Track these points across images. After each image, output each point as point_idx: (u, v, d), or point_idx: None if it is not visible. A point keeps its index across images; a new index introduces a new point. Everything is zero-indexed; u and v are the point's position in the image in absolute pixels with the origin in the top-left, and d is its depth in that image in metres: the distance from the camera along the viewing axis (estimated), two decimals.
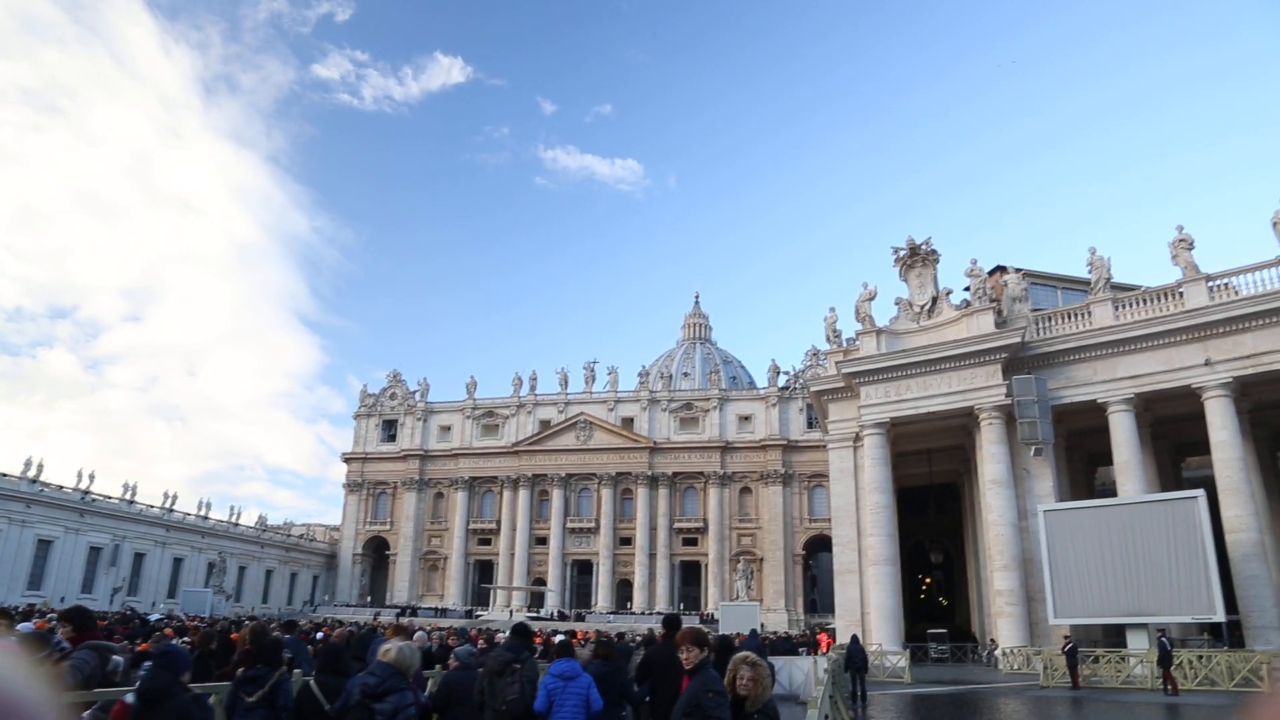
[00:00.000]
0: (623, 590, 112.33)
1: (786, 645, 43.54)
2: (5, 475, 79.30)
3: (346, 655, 11.35)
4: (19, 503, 78.92)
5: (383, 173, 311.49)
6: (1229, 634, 43.43)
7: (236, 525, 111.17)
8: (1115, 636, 43.33)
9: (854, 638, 37.67)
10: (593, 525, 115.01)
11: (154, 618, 49.60)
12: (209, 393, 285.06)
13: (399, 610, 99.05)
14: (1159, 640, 36.87)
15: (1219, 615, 38.62)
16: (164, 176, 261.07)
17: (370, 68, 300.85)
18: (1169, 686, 35.20)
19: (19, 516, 78.73)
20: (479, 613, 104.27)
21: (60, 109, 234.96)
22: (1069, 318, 50.15)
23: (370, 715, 9.15)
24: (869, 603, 53.18)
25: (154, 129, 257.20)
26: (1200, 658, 38.28)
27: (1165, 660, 35.63)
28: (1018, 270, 54.35)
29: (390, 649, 9.67)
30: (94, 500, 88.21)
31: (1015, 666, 45.02)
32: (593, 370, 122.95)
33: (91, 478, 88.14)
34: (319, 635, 28.07)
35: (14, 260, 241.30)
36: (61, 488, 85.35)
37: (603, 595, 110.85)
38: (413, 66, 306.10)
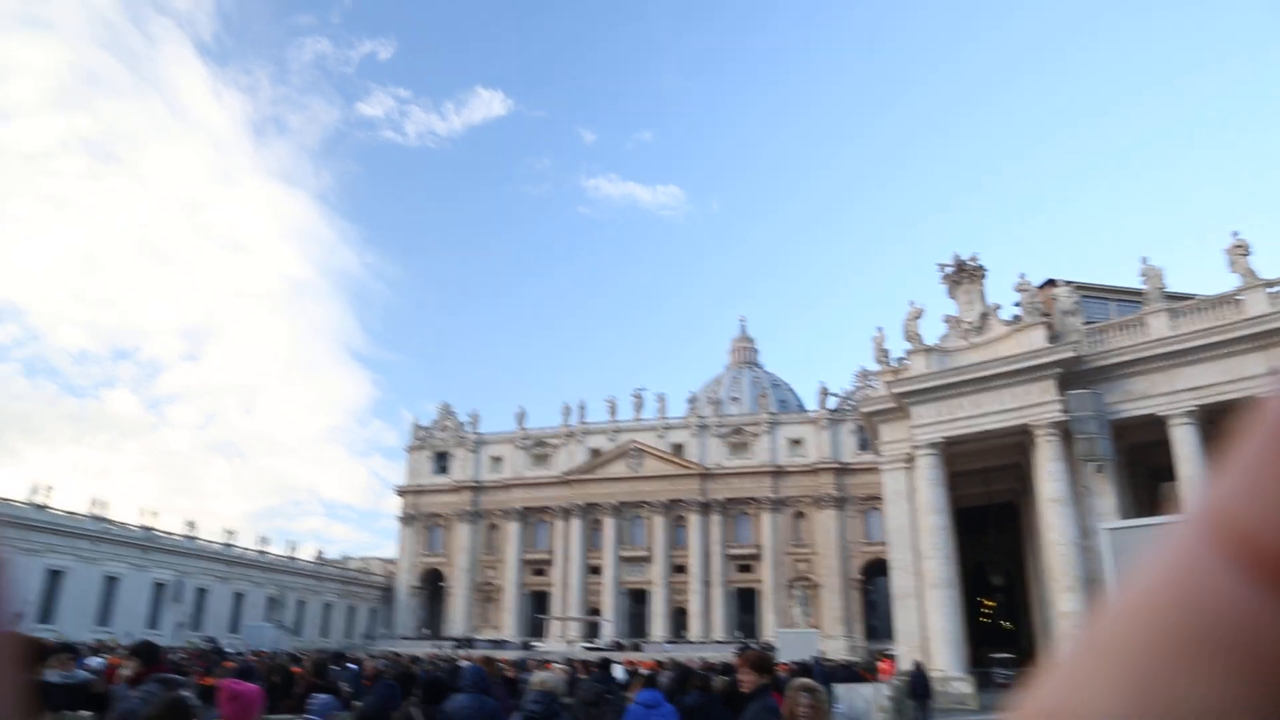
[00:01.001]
0: (678, 619, 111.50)
1: (847, 673, 42.90)
2: (73, 514, 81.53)
3: (447, 687, 12.02)
4: (86, 540, 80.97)
5: (428, 207, 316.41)
6: None
7: (294, 560, 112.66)
8: None
9: (917, 664, 37.08)
10: (646, 554, 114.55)
11: (231, 652, 50.79)
12: (265, 429, 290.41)
13: (455, 642, 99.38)
14: None
15: None
16: (217, 218, 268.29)
17: (413, 104, 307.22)
18: None
19: (87, 554, 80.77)
20: (535, 644, 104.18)
21: (118, 156, 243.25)
22: (1123, 330, 49.11)
23: None
24: (930, 627, 52.14)
25: (207, 172, 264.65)
26: None
27: None
28: (1068, 283, 53.44)
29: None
30: (157, 537, 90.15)
31: None
32: (641, 397, 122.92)
33: (154, 515, 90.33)
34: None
35: (78, 305, 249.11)
36: (126, 525, 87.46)
37: (659, 624, 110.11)
38: (454, 101, 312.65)
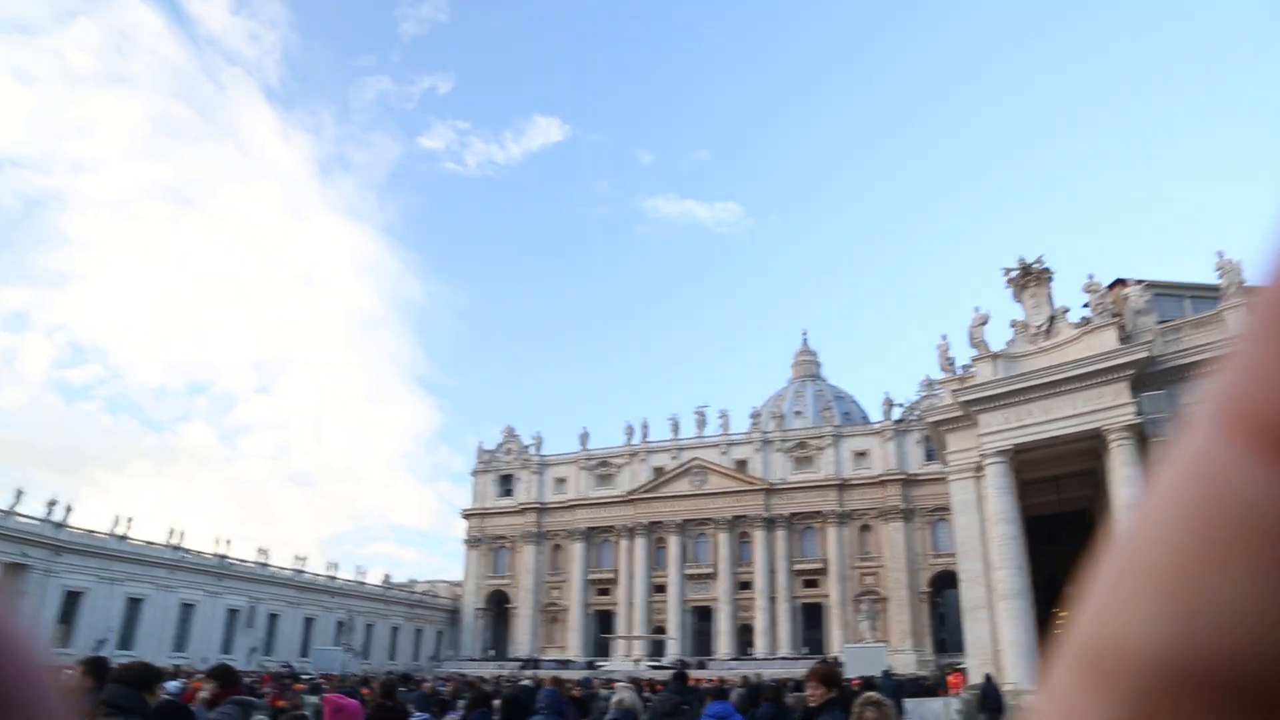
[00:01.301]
0: (744, 635, 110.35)
1: (915, 686, 41.97)
2: (152, 544, 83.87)
3: (526, 707, 12.33)
4: (164, 569, 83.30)
5: (490, 235, 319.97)
6: None
7: (363, 584, 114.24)
8: None
9: (987, 677, 36.12)
10: (711, 571, 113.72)
11: (305, 676, 52.03)
12: (335, 457, 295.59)
13: (521, 663, 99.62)
14: None
15: None
16: (287, 254, 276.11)
17: (472, 135, 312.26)
18: None
19: (164, 582, 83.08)
20: (600, 663, 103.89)
21: (193, 201, 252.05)
22: (1200, 327, 47.45)
23: None
24: (1001, 640, 50.68)
25: (277, 211, 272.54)
26: None
27: None
28: (1139, 282, 51.88)
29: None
30: (230, 565, 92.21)
31: None
32: (703, 415, 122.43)
33: (228, 543, 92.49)
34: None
35: (157, 342, 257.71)
36: (201, 554, 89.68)
37: (724, 641, 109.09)
38: (512, 130, 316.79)
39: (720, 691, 13.89)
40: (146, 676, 7.69)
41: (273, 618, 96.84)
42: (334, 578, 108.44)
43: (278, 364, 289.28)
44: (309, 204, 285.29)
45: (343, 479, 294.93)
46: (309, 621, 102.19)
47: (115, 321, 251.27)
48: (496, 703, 15.17)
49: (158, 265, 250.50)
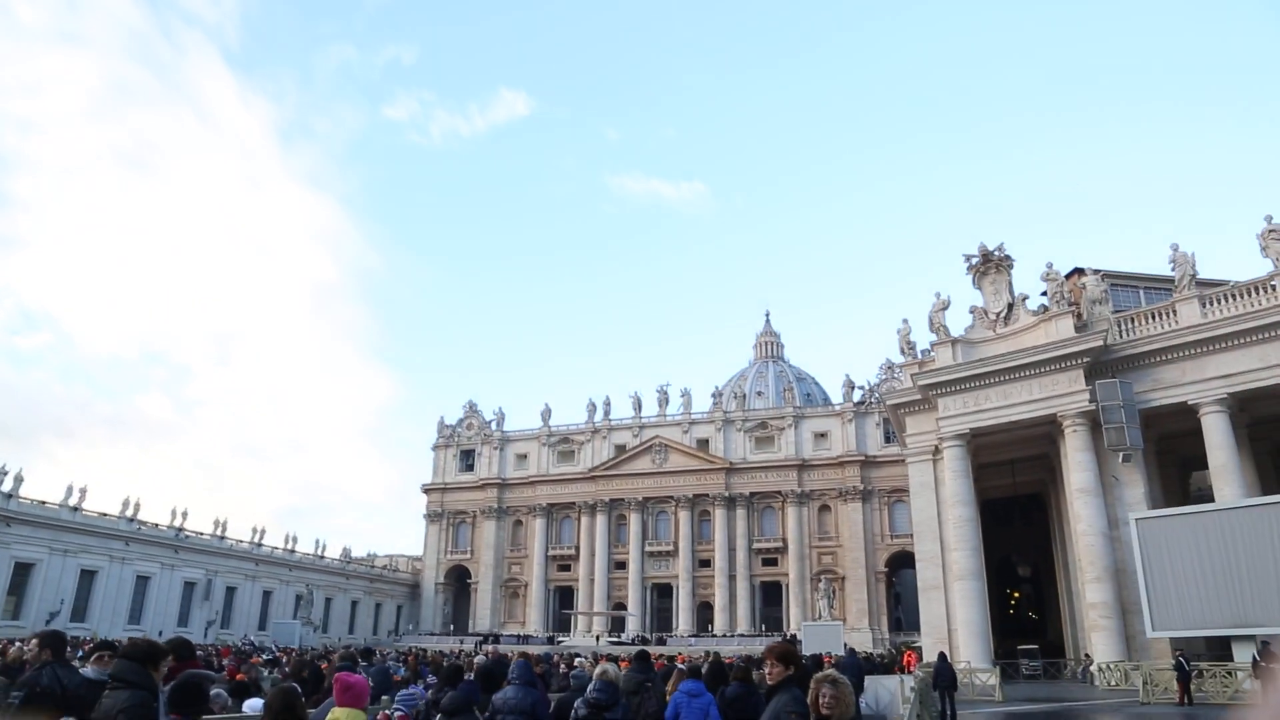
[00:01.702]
0: (703, 613, 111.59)
1: (870, 665, 42.66)
2: (105, 515, 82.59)
3: (501, 678, 12.67)
4: (119, 541, 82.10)
5: (453, 208, 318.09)
6: None
7: (322, 558, 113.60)
8: (1220, 649, 41.47)
9: (941, 655, 36.75)
10: (671, 548, 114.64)
11: (266, 656, 51.83)
12: (294, 430, 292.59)
13: (481, 638, 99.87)
14: (1176, 658, 37.12)
15: None
16: (246, 223, 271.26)
17: (437, 107, 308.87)
18: (1185, 700, 35.61)
19: (119, 554, 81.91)
20: (560, 639, 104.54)
21: (149, 166, 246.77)
22: (1153, 318, 48.41)
23: None
24: (955, 619, 51.80)
25: (235, 178, 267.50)
26: None
27: (1184, 675, 36.13)
28: (1096, 271, 52.77)
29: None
30: (187, 537, 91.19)
31: (1113, 682, 43.30)
32: (666, 393, 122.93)
33: (185, 515, 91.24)
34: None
35: (111, 310, 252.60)
36: (157, 526, 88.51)
37: (683, 618, 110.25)
38: (478, 103, 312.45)
39: (694, 669, 14.30)
40: (153, 652, 7.74)
41: (230, 591, 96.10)
42: (292, 551, 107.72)
43: (236, 335, 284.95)
44: (269, 172, 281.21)
45: (301, 452, 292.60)
46: (267, 595, 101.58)
47: (67, 288, 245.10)
48: (469, 676, 15.41)
49: (111, 231, 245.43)
